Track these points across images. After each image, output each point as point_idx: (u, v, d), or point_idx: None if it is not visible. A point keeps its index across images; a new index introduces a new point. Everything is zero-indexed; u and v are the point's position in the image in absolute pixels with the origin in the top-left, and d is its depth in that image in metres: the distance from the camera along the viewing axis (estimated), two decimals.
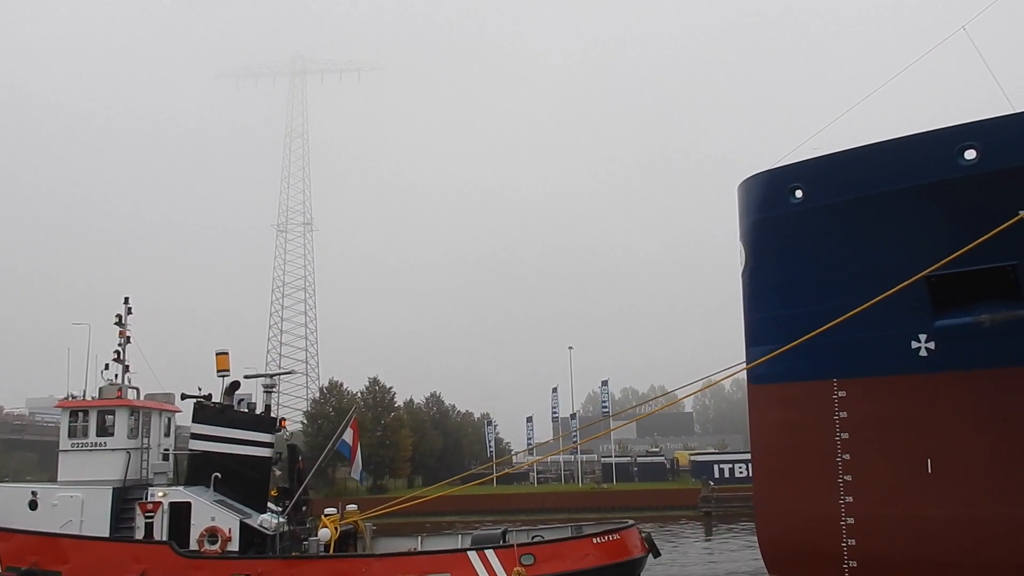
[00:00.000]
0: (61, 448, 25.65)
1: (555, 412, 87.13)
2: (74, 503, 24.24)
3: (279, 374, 31.59)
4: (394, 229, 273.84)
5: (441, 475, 62.45)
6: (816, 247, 22.81)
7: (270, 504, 25.47)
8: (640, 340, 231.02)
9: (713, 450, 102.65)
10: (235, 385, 26.20)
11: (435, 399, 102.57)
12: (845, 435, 22.44)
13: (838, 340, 21.46)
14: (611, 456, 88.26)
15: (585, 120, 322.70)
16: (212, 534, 23.61)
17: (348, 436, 27.03)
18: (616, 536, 23.38)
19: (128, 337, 26.77)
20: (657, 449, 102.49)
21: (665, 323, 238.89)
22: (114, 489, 24.64)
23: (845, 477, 22.26)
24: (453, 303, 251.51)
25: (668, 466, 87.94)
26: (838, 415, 22.56)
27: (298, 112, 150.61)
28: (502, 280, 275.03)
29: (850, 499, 22.09)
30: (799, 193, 22.90)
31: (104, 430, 25.39)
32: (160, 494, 24.35)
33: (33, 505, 24.54)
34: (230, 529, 23.65)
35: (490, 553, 22.57)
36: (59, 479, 25.46)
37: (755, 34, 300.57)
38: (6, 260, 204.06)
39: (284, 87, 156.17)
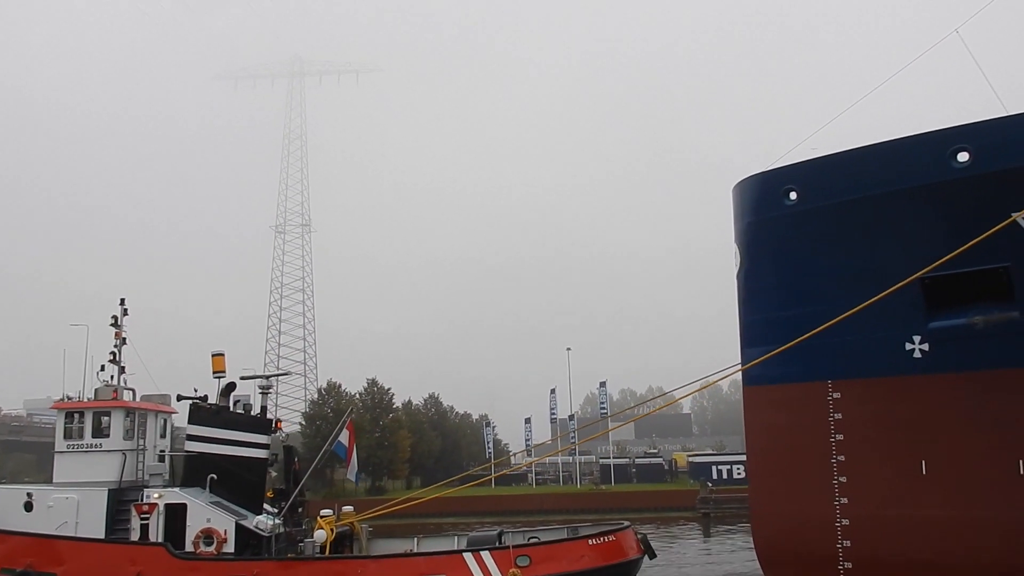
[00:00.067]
0: (57, 449, 25.67)
1: (553, 413, 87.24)
2: (69, 504, 24.24)
3: (275, 375, 31.67)
4: (392, 230, 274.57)
5: (439, 476, 62.43)
6: (810, 249, 22.84)
7: (266, 505, 25.49)
8: (639, 342, 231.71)
9: (711, 451, 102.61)
10: (231, 386, 26.24)
11: (433, 400, 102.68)
12: (840, 436, 22.45)
13: (833, 342, 21.47)
14: (609, 457, 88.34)
15: (583, 122, 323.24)
16: (208, 535, 23.62)
17: (344, 437, 27.05)
18: (611, 537, 23.43)
19: (124, 338, 26.82)
20: (655, 450, 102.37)
21: (664, 325, 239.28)
22: (110, 490, 24.66)
23: (840, 479, 22.27)
24: (451, 304, 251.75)
25: (666, 467, 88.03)
26: (833, 417, 22.57)
27: (296, 114, 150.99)
28: (500, 282, 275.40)
29: (845, 501, 22.10)
30: (793, 195, 22.94)
31: (100, 431, 25.42)
32: (156, 495, 24.35)
33: (28, 506, 24.54)
34: (226, 530, 23.66)
35: (486, 554, 22.59)
36: (54, 480, 25.47)
37: (752, 36, 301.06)
38: (4, 261, 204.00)
39: (282, 89, 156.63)
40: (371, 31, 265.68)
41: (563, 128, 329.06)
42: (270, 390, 27.41)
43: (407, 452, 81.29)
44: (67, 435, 25.52)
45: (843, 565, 21.85)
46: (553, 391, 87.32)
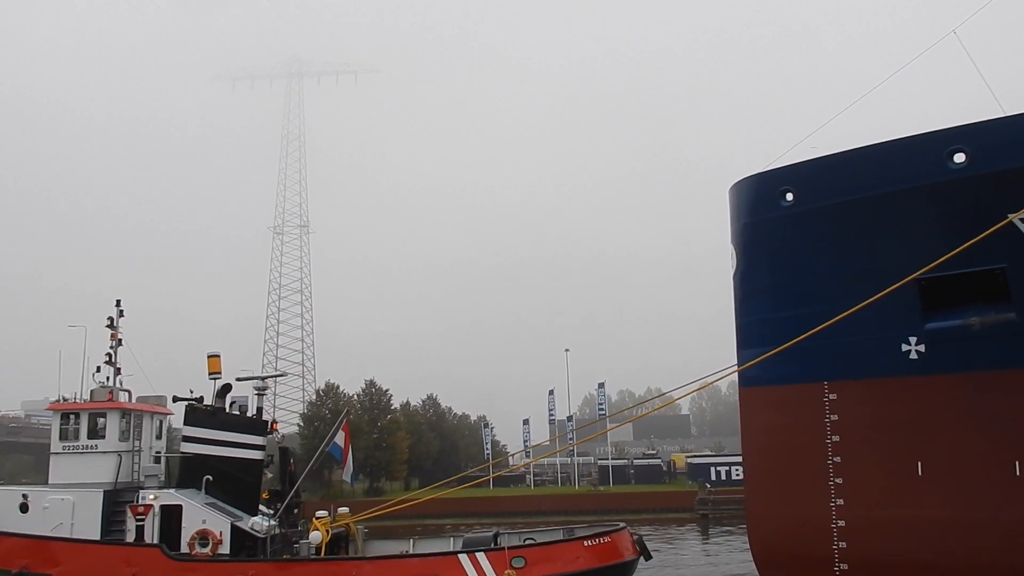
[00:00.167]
0: (52, 451, 25.62)
1: (552, 415, 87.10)
2: (65, 506, 24.19)
3: (270, 376, 31.56)
4: (391, 232, 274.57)
5: (438, 477, 62.34)
6: (807, 250, 22.83)
7: (261, 507, 25.45)
8: (638, 342, 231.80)
9: (710, 452, 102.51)
10: (227, 388, 26.19)
11: (432, 401, 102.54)
12: (836, 438, 22.45)
13: (829, 343, 21.48)
14: (608, 458, 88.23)
15: (583, 123, 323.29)
16: (203, 537, 23.58)
17: (340, 439, 27.02)
18: (607, 539, 23.40)
19: (120, 340, 26.78)
20: (654, 451, 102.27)
21: (663, 325, 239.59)
22: (105, 492, 24.61)
23: (836, 480, 22.26)
24: (450, 305, 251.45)
25: (665, 468, 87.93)
26: (829, 418, 22.57)
27: (295, 115, 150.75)
28: (499, 283, 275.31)
29: (841, 502, 22.09)
30: (790, 196, 22.94)
31: (95, 433, 25.39)
32: (151, 497, 24.31)
33: (24, 508, 24.48)
34: (221, 532, 23.62)
35: (481, 556, 22.57)
36: (50, 482, 25.42)
37: (752, 37, 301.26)
38: (4, 261, 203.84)
39: (281, 90, 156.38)
40: (370, 32, 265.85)
41: (562, 128, 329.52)
42: (266, 391, 27.36)
43: (405, 453, 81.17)
44: (63, 436, 25.47)
45: (839, 566, 21.83)
46: (551, 392, 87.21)
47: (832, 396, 22.59)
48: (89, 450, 25.26)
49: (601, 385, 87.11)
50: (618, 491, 74.19)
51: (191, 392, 26.31)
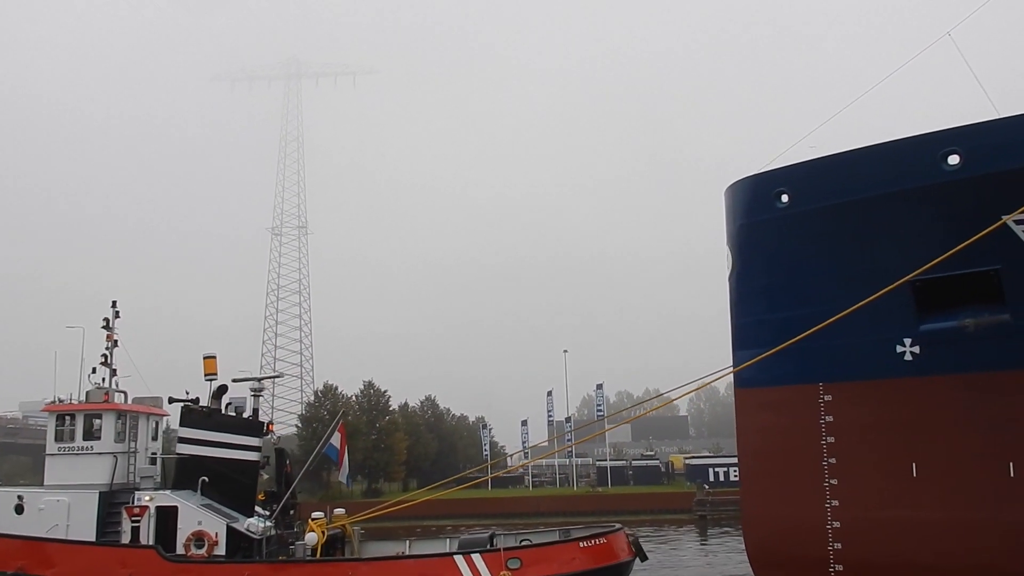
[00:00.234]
0: (48, 452, 25.59)
1: (550, 416, 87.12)
2: (60, 507, 24.16)
3: (267, 378, 31.51)
4: (390, 232, 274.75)
5: (436, 479, 62.31)
6: (802, 251, 22.87)
7: (257, 508, 25.44)
8: (635, 344, 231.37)
9: (708, 454, 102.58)
10: (222, 389, 26.18)
11: (430, 402, 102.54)
12: (831, 439, 22.48)
13: (824, 344, 21.52)
14: (606, 459, 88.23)
15: (580, 125, 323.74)
16: (198, 538, 23.57)
17: (336, 440, 27.00)
18: (603, 540, 23.43)
19: (116, 341, 26.73)
20: (652, 453, 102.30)
21: (663, 326, 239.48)
22: (100, 493, 24.58)
23: (831, 481, 22.29)
24: (448, 307, 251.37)
25: (663, 470, 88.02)
26: (824, 419, 22.61)
27: (293, 115, 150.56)
28: (497, 284, 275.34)
29: (836, 503, 22.12)
30: (785, 197, 22.98)
31: (91, 434, 25.35)
32: (147, 498, 24.29)
33: (19, 509, 24.43)
34: (216, 533, 23.61)
35: (476, 557, 22.58)
36: (45, 483, 25.39)
37: (752, 38, 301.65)
38: (2, 262, 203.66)
39: (279, 90, 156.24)
40: (369, 32, 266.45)
41: (562, 128, 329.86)
42: (262, 392, 27.37)
43: (403, 454, 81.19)
44: (58, 438, 25.44)
45: (834, 567, 21.86)
46: (550, 393, 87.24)
47: (827, 397, 22.62)
48: (85, 451, 25.23)
49: (599, 386, 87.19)
50: (616, 492, 74.21)
51: (187, 393, 26.30)
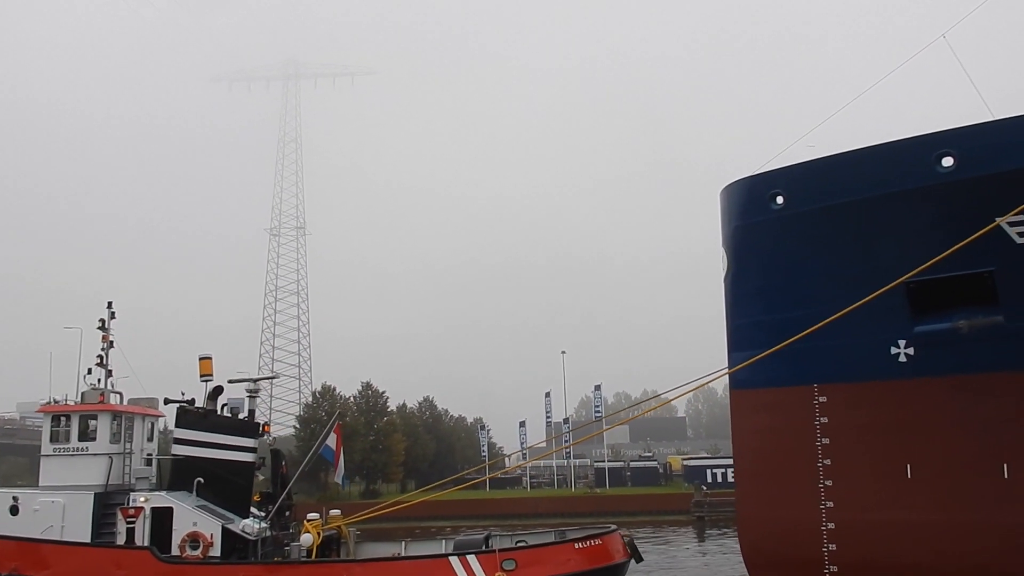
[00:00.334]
0: (43, 453, 25.60)
1: (548, 417, 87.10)
2: (55, 508, 24.15)
3: (262, 379, 31.51)
4: (388, 233, 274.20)
5: (434, 480, 62.35)
6: (797, 253, 22.89)
7: (253, 509, 25.44)
8: (633, 345, 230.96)
9: (706, 455, 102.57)
10: (218, 390, 26.19)
11: (428, 404, 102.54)
12: (826, 440, 22.49)
13: (819, 345, 21.51)
14: (604, 461, 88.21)
15: (580, 126, 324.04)
16: (194, 539, 23.59)
17: (331, 441, 27.03)
18: (598, 541, 23.45)
19: (111, 341, 26.75)
20: (650, 454, 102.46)
21: (660, 328, 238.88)
22: (96, 494, 24.58)
23: (826, 482, 22.30)
24: (446, 308, 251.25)
25: (661, 471, 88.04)
26: (819, 420, 22.62)
27: (291, 116, 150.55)
28: (496, 285, 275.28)
29: (831, 504, 22.13)
30: (780, 199, 23.01)
31: (86, 435, 25.36)
32: (142, 499, 24.30)
33: (14, 510, 24.42)
34: (212, 534, 23.63)
35: (472, 558, 22.59)
36: (40, 484, 25.39)
37: (750, 39, 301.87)
38: (2, 262, 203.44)
39: (277, 91, 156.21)
40: (367, 33, 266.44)
41: (562, 129, 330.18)
42: (258, 393, 27.37)
43: (401, 456, 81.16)
44: (53, 439, 25.44)
45: (828, 568, 21.87)
46: (548, 394, 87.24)
47: (822, 399, 22.64)
48: (80, 452, 25.23)
49: (598, 387, 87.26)
50: (614, 493, 74.25)
51: (183, 394, 26.33)
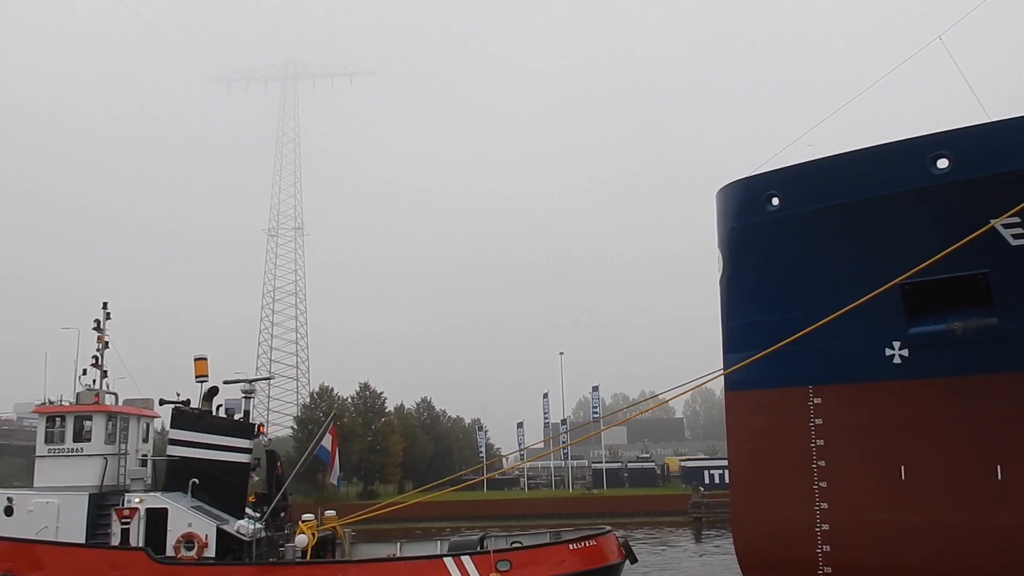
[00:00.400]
0: (38, 454, 25.58)
1: (546, 418, 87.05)
2: (50, 509, 24.12)
3: (257, 380, 31.49)
4: (385, 234, 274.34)
5: (431, 480, 62.41)
6: (792, 254, 22.90)
7: (248, 510, 25.43)
8: (633, 346, 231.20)
9: (703, 456, 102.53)
10: (213, 391, 26.19)
11: (426, 404, 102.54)
12: (820, 442, 22.51)
13: (814, 347, 21.52)
14: (602, 462, 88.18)
15: (580, 126, 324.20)
16: (188, 540, 23.57)
17: (327, 442, 27.02)
18: (593, 542, 23.47)
19: (107, 342, 26.71)
20: (647, 455, 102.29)
21: (658, 329, 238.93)
22: (90, 495, 24.54)
23: (820, 483, 22.31)
24: (445, 308, 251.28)
25: (658, 472, 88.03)
26: (813, 422, 22.64)
27: (290, 116, 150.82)
28: (495, 285, 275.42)
29: (825, 505, 22.15)
30: (775, 200, 23.02)
31: (81, 436, 25.32)
32: (136, 500, 24.29)
33: (9, 511, 24.40)
34: (207, 535, 23.62)
35: (466, 559, 22.59)
36: (35, 485, 25.38)
37: (750, 39, 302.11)
38: (2, 262, 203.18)
39: (276, 91, 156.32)
40: (366, 33, 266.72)
41: (562, 129, 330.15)
42: (253, 394, 27.34)
43: (399, 456, 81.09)
44: (48, 439, 25.41)
45: (823, 570, 21.89)
46: (546, 395, 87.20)
47: (817, 400, 22.65)
48: (75, 453, 25.20)
49: (595, 388, 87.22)
50: (612, 494, 74.19)
51: (178, 395, 26.31)
